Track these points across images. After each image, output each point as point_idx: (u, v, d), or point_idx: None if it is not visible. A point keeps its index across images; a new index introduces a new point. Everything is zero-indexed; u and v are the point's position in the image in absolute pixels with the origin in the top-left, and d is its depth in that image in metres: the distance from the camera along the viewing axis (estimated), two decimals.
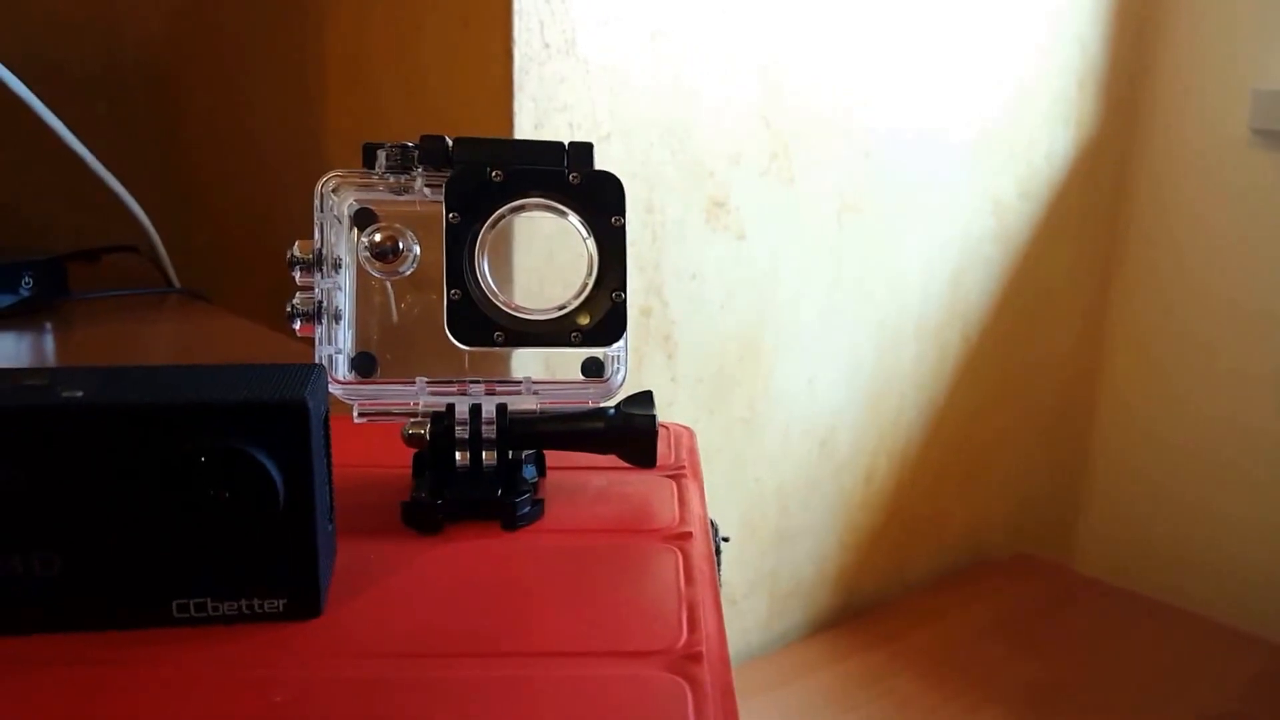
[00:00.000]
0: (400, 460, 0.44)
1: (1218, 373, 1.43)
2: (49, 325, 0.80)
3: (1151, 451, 1.52)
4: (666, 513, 0.41)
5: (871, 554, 1.33)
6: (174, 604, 0.31)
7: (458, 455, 0.42)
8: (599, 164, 0.43)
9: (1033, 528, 1.56)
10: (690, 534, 0.39)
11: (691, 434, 0.52)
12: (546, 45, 0.82)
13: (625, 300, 0.43)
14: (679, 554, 0.37)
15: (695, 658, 0.30)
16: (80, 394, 0.30)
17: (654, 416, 0.43)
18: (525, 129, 0.83)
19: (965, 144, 1.26)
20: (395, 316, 0.44)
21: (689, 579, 0.35)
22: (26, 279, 0.80)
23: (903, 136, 1.18)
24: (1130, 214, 1.50)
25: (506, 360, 0.52)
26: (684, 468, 0.47)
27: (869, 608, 1.34)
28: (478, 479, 0.42)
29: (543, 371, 0.47)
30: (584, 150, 0.43)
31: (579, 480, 0.45)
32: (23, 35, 0.97)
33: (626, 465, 0.44)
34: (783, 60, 1.03)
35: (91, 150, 0.85)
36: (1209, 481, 1.46)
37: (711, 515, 0.43)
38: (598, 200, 0.43)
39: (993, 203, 1.32)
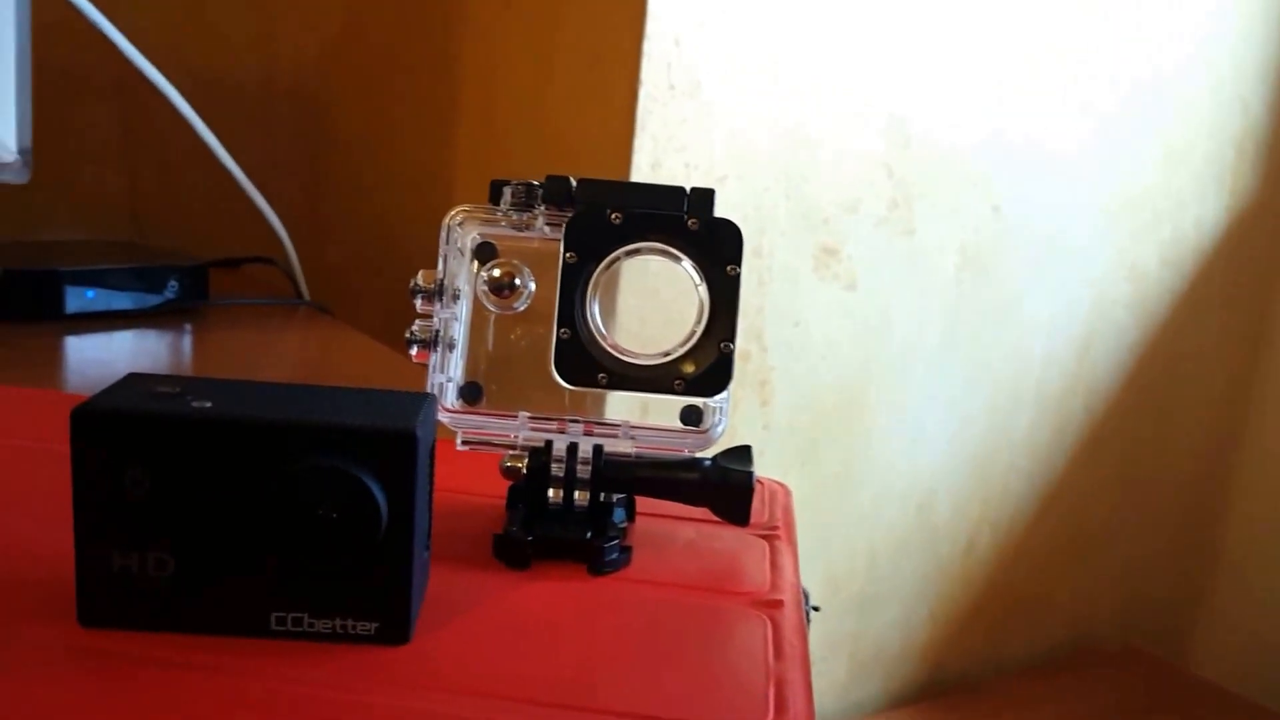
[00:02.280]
0: (495, 490, 0.47)
1: None
2: (188, 327, 0.88)
3: None
4: (757, 575, 0.43)
5: (964, 630, 1.32)
6: (273, 616, 0.34)
7: (551, 492, 0.45)
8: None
9: (1144, 620, 1.52)
10: (781, 602, 0.40)
11: (787, 492, 0.53)
12: (671, 87, 0.85)
13: (734, 352, 0.45)
14: (768, 623, 0.38)
15: None
16: (208, 405, 0.33)
17: (752, 473, 0.45)
18: (642, 167, 0.87)
19: (1104, 204, 1.25)
20: (504, 349, 0.46)
21: (778, 653, 0.36)
22: (172, 283, 0.88)
23: (1036, 192, 1.17)
24: None
25: (604, 398, 0.54)
26: (778, 528, 0.48)
27: (955, 687, 1.32)
28: (569, 518, 0.44)
29: (640, 413, 0.49)
30: (705, 196, 0.46)
31: (668, 530, 0.47)
32: (186, 52, 1.06)
33: (717, 520, 0.46)
34: (911, 109, 1.04)
35: (240, 165, 0.92)
36: None
37: (803, 581, 0.45)
38: (714, 248, 0.45)
39: (1129, 268, 1.30)
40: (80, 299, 0.85)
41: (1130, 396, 1.36)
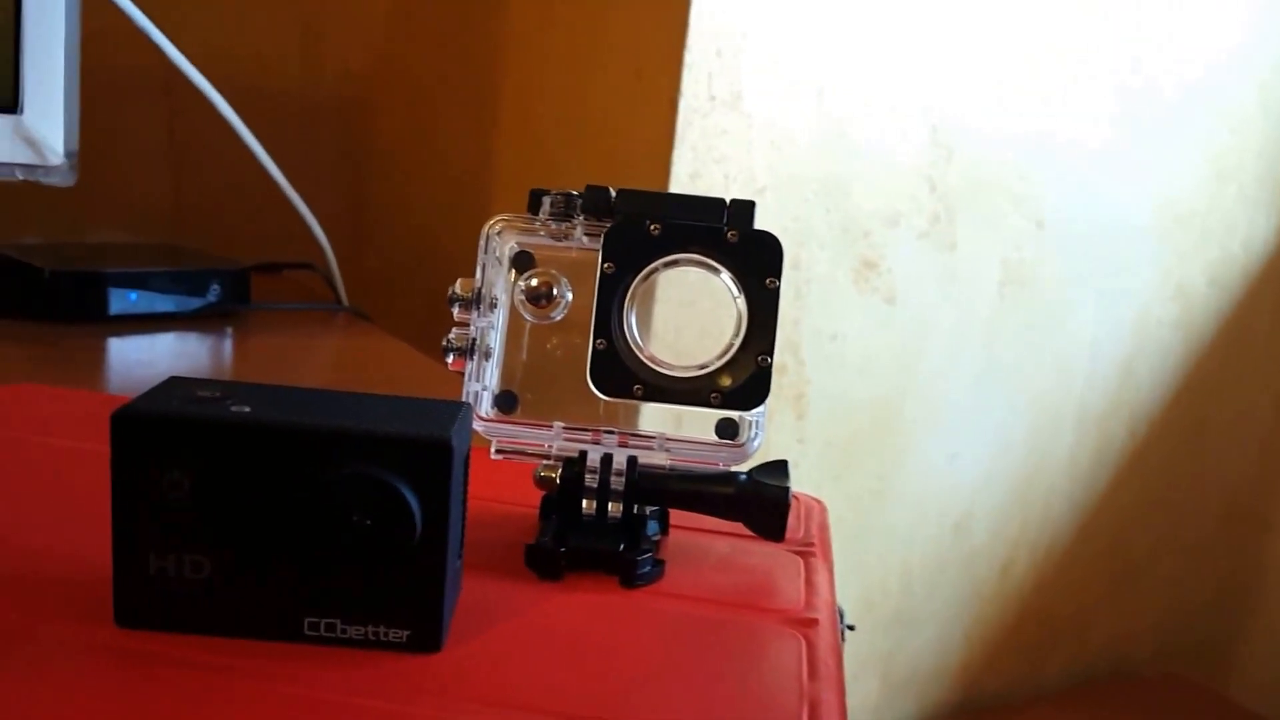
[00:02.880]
0: (528, 499, 0.47)
1: None
2: (229, 330, 0.90)
3: None
4: (791, 592, 0.43)
5: (1000, 652, 1.30)
6: (306, 621, 0.35)
7: (584, 503, 0.45)
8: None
9: (1185, 646, 1.50)
10: (816, 621, 0.40)
11: (823, 508, 0.53)
12: (712, 97, 0.85)
13: (771, 365, 0.45)
14: (803, 642, 0.38)
15: None
16: (248, 409, 0.34)
17: (788, 489, 0.45)
18: (681, 178, 0.87)
19: (1150, 222, 1.23)
20: (540, 358, 0.47)
21: (812, 672, 0.36)
22: (214, 286, 0.90)
23: (1081, 208, 1.16)
24: None
25: (638, 410, 0.54)
26: (813, 545, 0.48)
27: (990, 710, 1.30)
28: (602, 529, 0.44)
29: (674, 425, 0.49)
30: (745, 208, 0.46)
31: (701, 544, 0.47)
32: (232, 58, 1.08)
33: (752, 535, 0.45)
34: (955, 122, 1.03)
35: (283, 171, 0.94)
36: None
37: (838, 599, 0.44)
38: (753, 260, 0.45)
39: (1175, 287, 1.29)
40: (124, 301, 0.87)
41: (1174, 418, 1.34)
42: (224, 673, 0.33)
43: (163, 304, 0.89)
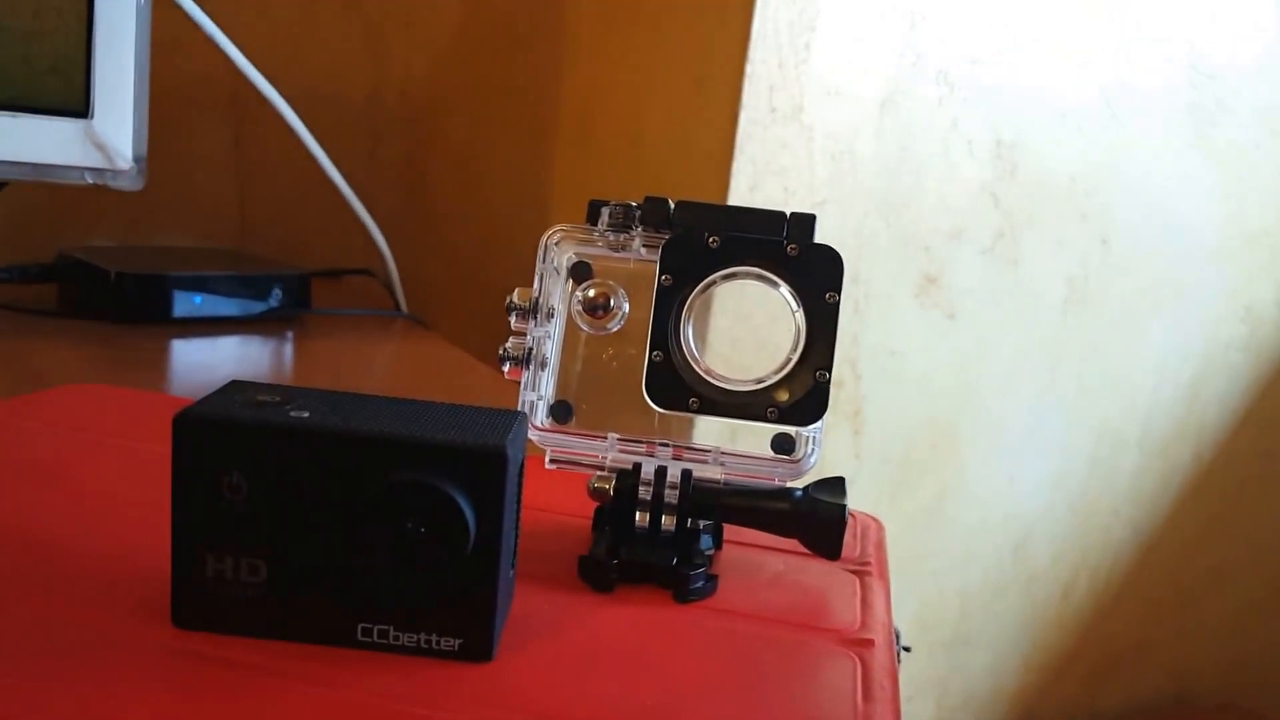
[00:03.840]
0: (581, 509, 0.47)
1: None
2: (289, 334, 0.92)
3: None
4: (846, 612, 0.42)
5: (1058, 677, 1.28)
6: (359, 627, 0.35)
7: (637, 516, 0.45)
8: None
9: (1248, 676, 1.46)
10: (872, 641, 0.39)
11: (880, 527, 0.52)
12: (773, 110, 0.85)
13: (829, 381, 0.45)
14: (858, 663, 0.37)
15: None
16: (306, 415, 0.34)
17: (844, 506, 0.44)
18: (740, 189, 0.86)
19: (1219, 241, 1.20)
20: (596, 369, 0.46)
21: (867, 694, 0.35)
22: (276, 291, 0.92)
23: (1147, 226, 1.14)
24: None
25: (693, 422, 0.54)
26: (870, 564, 0.47)
27: None
28: (655, 543, 0.44)
29: (728, 439, 0.49)
30: (805, 222, 0.45)
31: (755, 560, 0.47)
32: (298, 66, 1.10)
33: (807, 552, 0.45)
34: (1020, 136, 1.02)
35: (345, 178, 0.96)
36: None
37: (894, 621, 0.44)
38: (813, 274, 0.45)
39: (1245, 308, 1.25)
40: (188, 304, 0.88)
41: (1241, 443, 1.31)
42: (278, 676, 0.33)
43: (226, 307, 0.90)
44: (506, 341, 0.44)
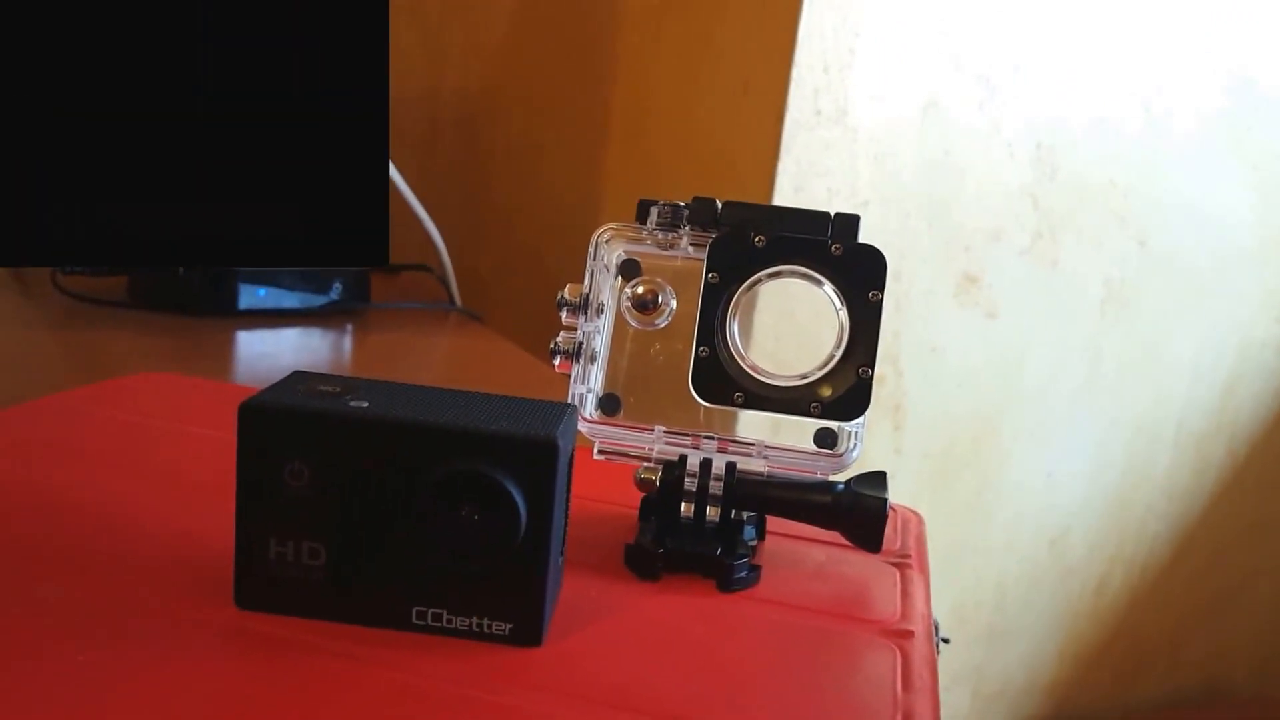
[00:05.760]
0: (628, 500, 0.46)
1: None
2: (349, 327, 0.93)
3: None
4: (887, 604, 0.41)
5: (1092, 669, 1.25)
6: (414, 611, 0.35)
7: (683, 506, 0.44)
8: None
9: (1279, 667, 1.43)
10: (912, 633, 0.38)
11: (920, 520, 0.51)
12: (818, 112, 0.84)
13: (872, 378, 0.44)
14: (898, 653, 0.37)
15: None
16: (365, 405, 0.34)
17: (885, 500, 0.43)
18: (785, 190, 0.86)
19: (1256, 240, 1.17)
20: (644, 364, 0.46)
21: (906, 684, 0.35)
22: (337, 285, 0.93)
23: (1184, 228, 1.11)
24: None
25: (737, 416, 0.53)
26: (910, 556, 0.46)
27: None
28: (700, 533, 0.44)
29: (771, 433, 0.48)
30: (849, 222, 0.44)
31: (797, 552, 0.46)
32: None
33: (848, 544, 0.44)
34: (1059, 138, 1.00)
35: (403, 175, 0.96)
36: None
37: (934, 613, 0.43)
38: (857, 274, 0.44)
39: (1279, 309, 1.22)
40: (252, 297, 0.89)
41: (1275, 441, 1.28)
42: (335, 657, 0.33)
43: (289, 300, 0.91)
44: (557, 335, 0.44)
